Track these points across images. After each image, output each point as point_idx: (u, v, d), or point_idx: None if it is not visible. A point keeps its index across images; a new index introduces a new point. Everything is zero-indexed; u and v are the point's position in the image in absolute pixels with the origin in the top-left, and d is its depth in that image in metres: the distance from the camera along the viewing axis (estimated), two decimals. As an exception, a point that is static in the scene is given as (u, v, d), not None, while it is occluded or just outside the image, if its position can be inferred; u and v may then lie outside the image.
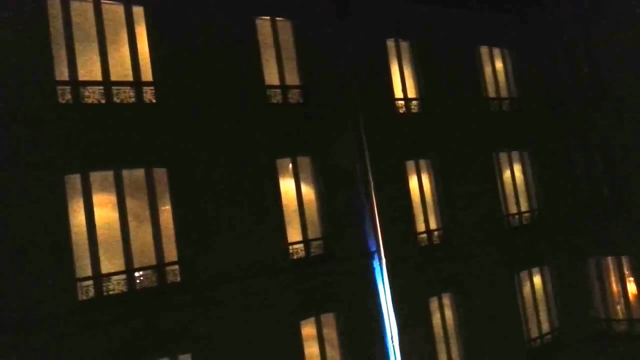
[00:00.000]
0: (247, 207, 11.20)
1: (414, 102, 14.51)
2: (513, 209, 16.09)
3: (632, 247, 15.50)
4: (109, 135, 9.97)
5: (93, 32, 10.20)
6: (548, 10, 16.88)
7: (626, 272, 16.00)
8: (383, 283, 12.68)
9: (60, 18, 9.92)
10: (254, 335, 10.78)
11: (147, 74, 10.64)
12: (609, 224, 15.85)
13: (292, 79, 12.55)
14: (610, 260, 16.31)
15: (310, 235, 12.17)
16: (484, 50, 16.35)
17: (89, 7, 10.24)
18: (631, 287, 15.93)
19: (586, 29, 16.35)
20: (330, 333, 12.16)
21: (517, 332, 15.07)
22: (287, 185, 12.11)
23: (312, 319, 11.82)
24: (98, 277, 9.58)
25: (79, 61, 9.97)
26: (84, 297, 9.41)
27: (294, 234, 11.93)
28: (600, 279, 16.40)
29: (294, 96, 12.45)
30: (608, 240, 15.87)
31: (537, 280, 16.25)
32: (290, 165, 12.31)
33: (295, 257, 11.81)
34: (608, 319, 16.22)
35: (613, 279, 16.36)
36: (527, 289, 15.90)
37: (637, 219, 15.32)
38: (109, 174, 10.02)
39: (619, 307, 16.27)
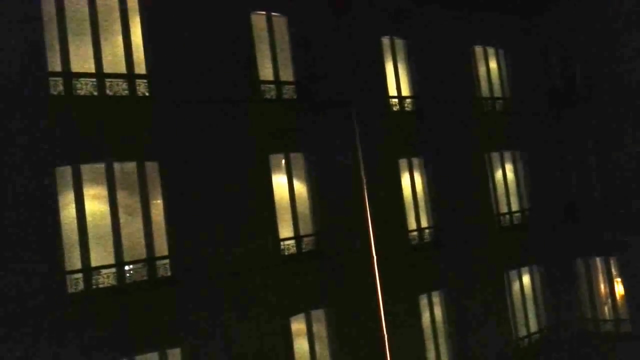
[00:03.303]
0: (239, 202, 11.18)
1: (408, 101, 14.53)
2: (504, 209, 16.20)
3: (620, 248, 15.65)
4: (101, 127, 9.91)
5: (86, 23, 10.12)
6: (543, 12, 16.96)
7: (614, 273, 16.17)
8: (374, 280, 12.72)
9: (54, 9, 9.83)
10: (243, 330, 10.79)
11: (140, 66, 10.58)
12: (599, 225, 15.99)
13: (287, 74, 12.52)
14: (598, 260, 16.46)
15: (302, 232, 12.18)
16: (478, 50, 16.40)
17: (83, -2, 10.17)
18: (618, 288, 16.10)
19: (580, 32, 16.44)
20: (320, 329, 12.19)
21: (505, 330, 15.19)
22: (279, 181, 12.10)
23: (302, 315, 11.84)
24: (88, 270, 9.53)
25: (72, 53, 9.89)
26: (73, 290, 9.37)
27: (285, 230, 11.93)
28: (588, 279, 16.56)
29: (288, 92, 12.43)
30: (597, 241, 16.02)
31: (527, 279, 16.38)
32: (283, 162, 12.30)
33: (286, 253, 11.81)
34: (595, 318, 16.38)
35: (601, 279, 16.52)
36: (516, 288, 16.03)
37: (627, 220, 15.46)
38: (101, 167, 9.96)
39: (606, 308, 16.45)
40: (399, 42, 14.71)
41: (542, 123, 17.08)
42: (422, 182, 14.56)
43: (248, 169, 11.43)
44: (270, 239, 11.50)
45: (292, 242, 11.96)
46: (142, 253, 10.16)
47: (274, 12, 12.48)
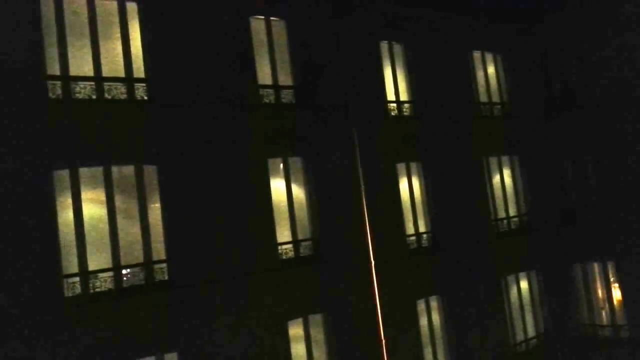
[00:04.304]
0: (237, 206, 11.17)
1: (406, 105, 14.56)
2: (502, 214, 16.21)
3: (618, 253, 15.67)
4: (99, 131, 9.89)
5: (86, 27, 10.14)
6: (541, 18, 17.04)
7: (611, 278, 16.18)
8: (372, 285, 12.71)
9: (53, 12, 9.84)
10: (241, 334, 10.75)
11: (139, 70, 10.59)
12: (596, 230, 16.01)
13: (285, 79, 12.55)
14: (596, 265, 16.48)
15: (300, 236, 12.17)
16: (476, 55, 16.45)
17: (83, 2, 10.17)
18: (616, 293, 16.12)
19: (578, 37, 16.51)
20: (318, 334, 12.17)
21: (503, 335, 15.17)
22: (277, 186, 12.10)
23: (300, 320, 11.81)
24: (85, 274, 9.51)
25: (71, 56, 9.90)
26: (70, 294, 9.34)
27: (283, 234, 11.92)
28: (586, 285, 16.58)
29: (287, 96, 12.44)
30: (595, 246, 16.04)
31: (524, 284, 16.38)
32: (282, 166, 12.30)
33: (284, 257, 11.80)
34: (593, 324, 16.39)
35: (598, 284, 16.54)
36: (513, 293, 16.03)
37: (624, 225, 15.49)
38: (99, 170, 9.95)
39: (603, 313, 16.46)
40: (398, 47, 14.76)
41: (539, 128, 17.13)
42: (420, 187, 14.58)
43: (246, 172, 11.42)
44: (268, 243, 11.47)
45: (290, 246, 11.95)
46: (139, 257, 10.14)
47: (273, 16, 12.51)
